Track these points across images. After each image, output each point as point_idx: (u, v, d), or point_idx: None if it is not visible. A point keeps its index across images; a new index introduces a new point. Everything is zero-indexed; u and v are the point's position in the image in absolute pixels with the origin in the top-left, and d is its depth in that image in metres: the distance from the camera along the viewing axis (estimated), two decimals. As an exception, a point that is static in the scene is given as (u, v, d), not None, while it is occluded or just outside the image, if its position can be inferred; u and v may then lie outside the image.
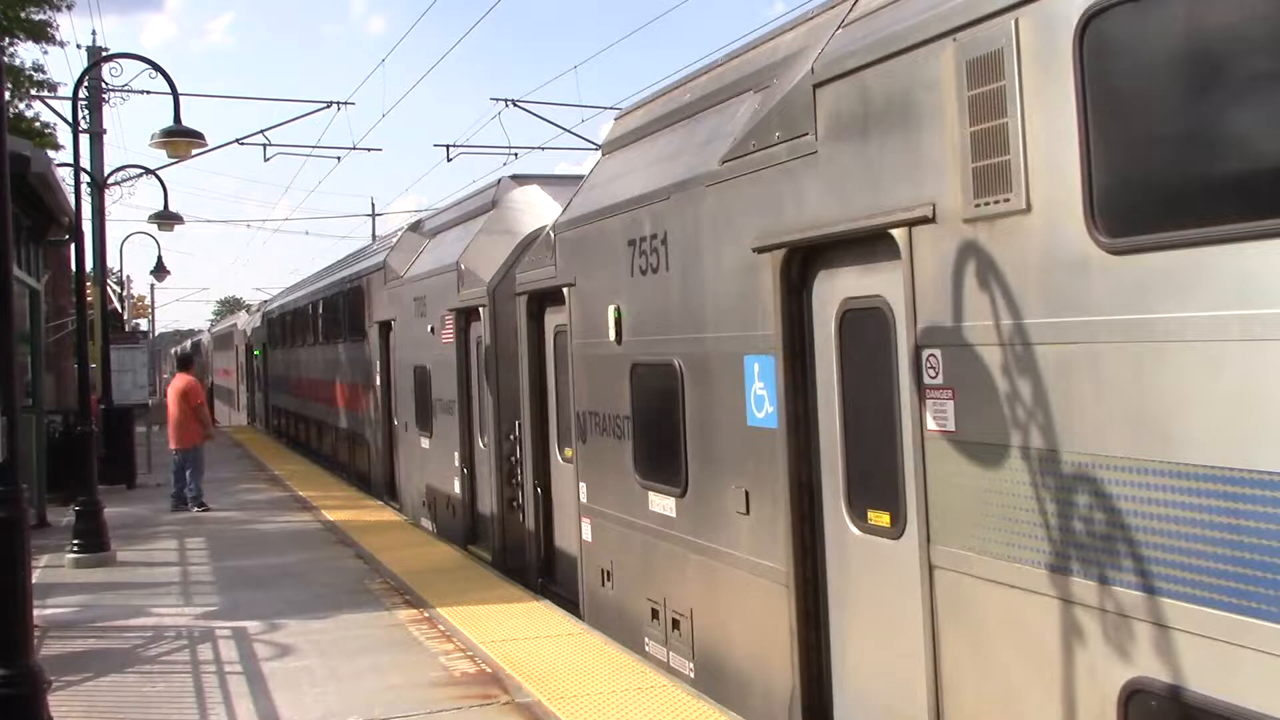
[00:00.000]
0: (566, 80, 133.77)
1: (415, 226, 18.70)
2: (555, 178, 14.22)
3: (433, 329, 15.01)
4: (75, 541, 13.22)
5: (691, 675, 7.82)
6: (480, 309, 12.88)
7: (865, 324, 6.00)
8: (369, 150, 66.04)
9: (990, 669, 5.08)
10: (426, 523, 15.72)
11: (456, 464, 14.16)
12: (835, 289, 6.28)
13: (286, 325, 30.58)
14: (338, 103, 26.67)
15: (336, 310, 22.70)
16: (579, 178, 11.14)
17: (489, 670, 8.12)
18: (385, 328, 18.13)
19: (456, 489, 14.30)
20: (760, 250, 6.68)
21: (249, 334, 41.09)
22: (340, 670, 8.30)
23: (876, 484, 5.97)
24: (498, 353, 12.47)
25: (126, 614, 10.50)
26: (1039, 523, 4.74)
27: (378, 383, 18.73)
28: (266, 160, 28.64)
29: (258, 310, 40.93)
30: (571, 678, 7.86)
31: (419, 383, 15.90)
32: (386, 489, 18.43)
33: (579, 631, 9.20)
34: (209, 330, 75.01)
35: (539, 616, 9.71)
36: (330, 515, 16.28)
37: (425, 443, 15.74)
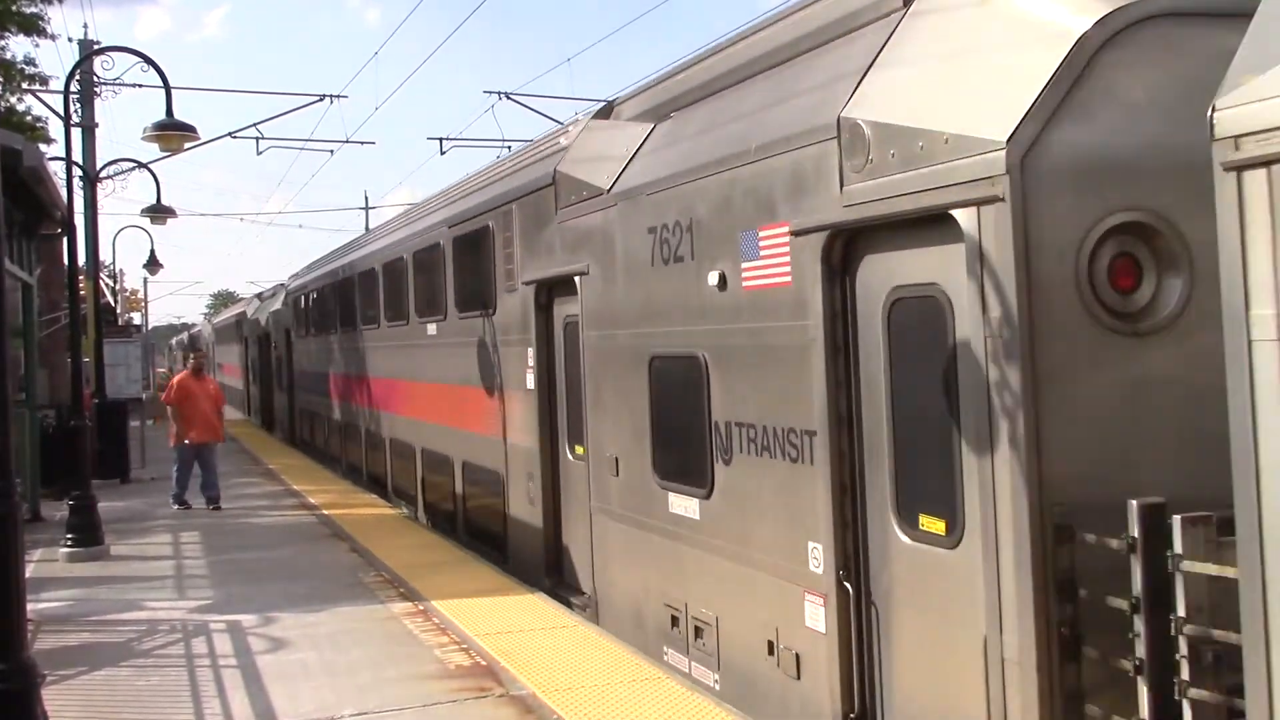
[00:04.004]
0: (560, 73, 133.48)
1: (605, 113, 10.64)
2: None
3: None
4: (69, 536, 13.21)
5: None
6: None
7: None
8: (362, 143, 66.09)
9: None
10: None
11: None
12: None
13: None
14: (331, 96, 26.70)
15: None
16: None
17: (484, 663, 8.13)
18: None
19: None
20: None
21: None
22: (335, 664, 8.30)
23: None
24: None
25: (121, 608, 10.49)
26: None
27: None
28: (259, 154, 28.56)
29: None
30: (566, 670, 7.87)
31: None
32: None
33: (574, 624, 9.20)
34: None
35: (534, 609, 9.72)
36: (325, 510, 16.26)
37: None
